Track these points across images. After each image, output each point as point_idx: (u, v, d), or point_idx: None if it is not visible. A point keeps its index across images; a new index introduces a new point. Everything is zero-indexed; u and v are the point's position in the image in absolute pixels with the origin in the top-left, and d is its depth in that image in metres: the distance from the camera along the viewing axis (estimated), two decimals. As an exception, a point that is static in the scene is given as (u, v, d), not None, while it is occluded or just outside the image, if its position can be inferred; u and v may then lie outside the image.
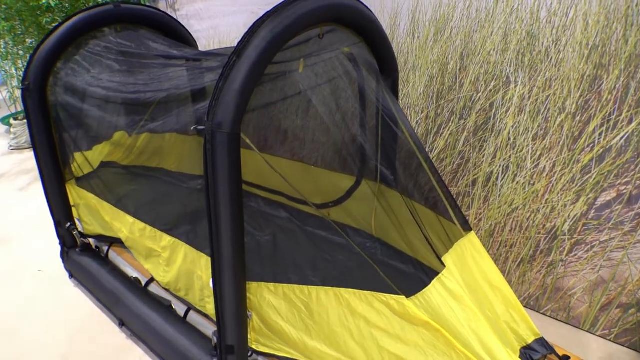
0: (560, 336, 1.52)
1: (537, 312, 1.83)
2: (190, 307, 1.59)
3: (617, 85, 1.51)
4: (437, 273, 1.29)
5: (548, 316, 1.91)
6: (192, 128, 1.01)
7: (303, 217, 2.11)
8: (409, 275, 1.50)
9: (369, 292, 1.31)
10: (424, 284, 1.27)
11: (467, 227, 1.51)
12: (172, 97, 1.47)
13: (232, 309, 1.18)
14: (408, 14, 1.91)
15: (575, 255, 1.77)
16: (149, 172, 2.42)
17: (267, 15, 1.12)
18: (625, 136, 1.54)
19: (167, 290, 1.62)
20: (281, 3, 1.18)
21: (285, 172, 2.16)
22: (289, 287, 1.33)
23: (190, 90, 1.46)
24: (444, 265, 1.28)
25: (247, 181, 2.32)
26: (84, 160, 2.11)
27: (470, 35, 1.79)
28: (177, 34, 1.94)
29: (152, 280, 1.71)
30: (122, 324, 1.74)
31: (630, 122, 1.53)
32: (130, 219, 1.72)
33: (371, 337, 1.31)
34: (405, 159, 1.64)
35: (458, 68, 1.84)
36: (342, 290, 1.33)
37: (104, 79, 1.67)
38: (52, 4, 3.11)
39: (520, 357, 1.32)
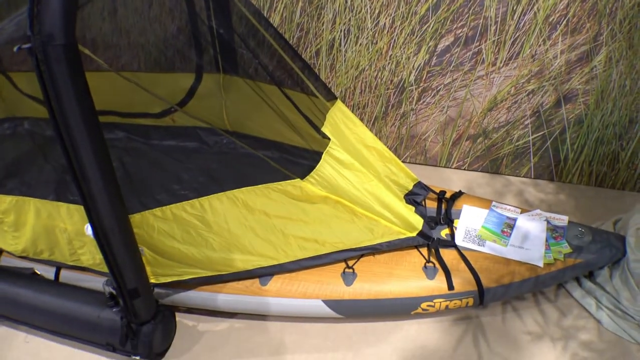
0: (422, 177, 1.69)
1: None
2: (59, 266, 1.36)
3: None
4: (319, 151, 1.27)
5: (408, 162, 2.11)
6: (15, 49, 0.74)
7: (143, 131, 1.88)
8: (287, 160, 1.47)
9: (263, 185, 1.26)
10: (314, 162, 1.26)
11: (331, 97, 1.50)
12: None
13: (124, 250, 1.03)
14: None
15: (424, 102, 1.93)
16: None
17: None
18: (448, -23, 1.62)
19: (25, 258, 1.35)
20: None
21: (108, 89, 1.85)
22: (178, 206, 1.20)
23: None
24: (328, 138, 1.27)
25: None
26: None
27: None
28: None
29: (0, 252, 1.41)
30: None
31: (449, -39, 1.60)
32: None
33: (274, 228, 1.29)
34: (248, 38, 1.50)
35: None
36: (236, 191, 1.25)
37: None
38: None
39: (407, 203, 1.44)
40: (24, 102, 1.69)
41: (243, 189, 1.25)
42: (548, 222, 1.48)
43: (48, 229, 1.24)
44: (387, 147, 1.71)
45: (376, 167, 1.49)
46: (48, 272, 1.38)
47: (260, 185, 1.25)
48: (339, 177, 1.25)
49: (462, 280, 1.31)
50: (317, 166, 1.24)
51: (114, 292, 1.14)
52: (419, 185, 1.55)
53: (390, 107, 1.98)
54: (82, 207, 1.01)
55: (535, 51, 1.69)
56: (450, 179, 2.01)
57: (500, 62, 1.74)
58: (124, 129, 1.89)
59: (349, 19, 1.80)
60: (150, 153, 1.81)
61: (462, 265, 1.34)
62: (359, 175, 1.28)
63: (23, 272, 1.33)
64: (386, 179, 1.50)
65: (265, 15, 1.80)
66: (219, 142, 1.85)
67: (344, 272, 1.34)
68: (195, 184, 1.58)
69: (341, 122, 1.46)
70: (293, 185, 1.25)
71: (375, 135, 1.65)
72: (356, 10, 1.77)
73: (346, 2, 1.76)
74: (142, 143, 1.86)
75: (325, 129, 1.33)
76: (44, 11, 0.73)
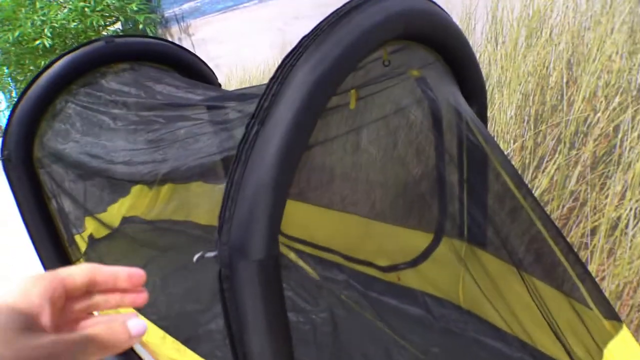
0: None
1: None
2: None
3: None
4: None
5: None
6: (195, 259, 0.58)
7: (365, 281, 1.66)
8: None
9: None
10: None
11: (611, 315, 1.02)
12: (184, 170, 1.06)
13: None
14: (486, 13, 1.44)
15: None
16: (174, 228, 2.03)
17: (303, 46, 0.68)
18: None
19: None
20: (324, 21, 0.74)
21: (336, 228, 1.71)
22: None
23: (212, 160, 1.05)
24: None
25: (290, 235, 1.89)
26: (97, 226, 1.74)
27: (580, 35, 1.30)
28: (189, 66, 1.53)
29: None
30: None
31: None
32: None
33: None
34: (503, 206, 1.16)
35: (565, 81, 1.35)
36: None
37: (95, 144, 1.28)
38: (47, 44, 2.72)
39: None
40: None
41: None
42: None
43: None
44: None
45: None
46: None
47: None
48: None
49: None
50: None
51: None
52: None
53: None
54: None
55: None
56: None
57: None
58: (345, 272, 1.71)
59: (651, 199, 1.30)
60: (366, 310, 1.57)
61: None
62: None
63: None
64: None
65: (529, 175, 1.44)
66: (446, 317, 1.50)
67: None
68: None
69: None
70: None
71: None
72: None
73: (651, 177, 1.28)
74: (360, 294, 1.64)
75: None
76: (237, 217, 0.55)
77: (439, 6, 1.02)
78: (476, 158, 1.25)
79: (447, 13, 1.04)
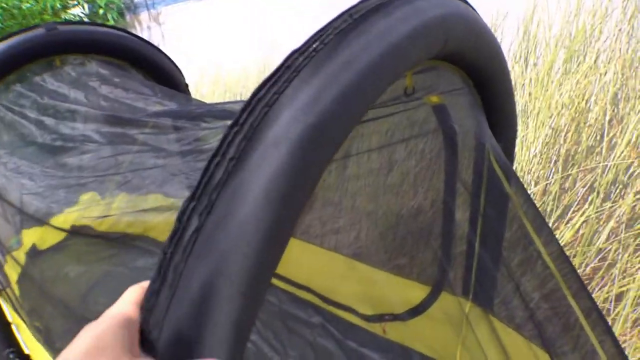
0: None
1: None
2: None
3: None
4: None
5: None
6: None
7: (344, 328, 1.41)
8: None
9: None
10: None
11: None
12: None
13: None
14: (517, 26, 1.19)
15: None
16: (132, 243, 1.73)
17: (292, 68, 0.40)
18: None
19: None
20: (329, 27, 0.45)
21: (315, 264, 1.45)
22: None
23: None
24: None
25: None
26: (40, 237, 1.43)
27: (634, 66, 1.06)
28: (151, 63, 1.23)
29: None
30: None
31: None
32: None
33: None
34: (523, 266, 0.91)
35: (607, 119, 1.11)
36: None
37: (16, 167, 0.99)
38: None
39: None
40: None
41: None
42: None
43: None
44: None
45: None
46: None
47: None
48: None
49: None
50: None
51: None
52: None
53: None
54: None
55: None
56: None
57: None
58: (322, 315, 1.44)
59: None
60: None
61: None
62: None
63: None
64: None
65: (552, 224, 1.21)
66: None
67: None
68: None
69: None
70: None
71: None
72: None
73: None
74: (336, 342, 1.38)
75: None
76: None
77: (477, 13, 0.76)
78: (496, 199, 1.00)
79: (486, 24, 0.78)
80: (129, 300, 0.33)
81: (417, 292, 1.26)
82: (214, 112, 0.85)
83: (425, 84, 0.82)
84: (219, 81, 1.93)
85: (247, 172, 0.37)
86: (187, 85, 1.26)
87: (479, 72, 0.80)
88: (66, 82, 1.05)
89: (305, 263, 1.39)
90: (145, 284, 0.34)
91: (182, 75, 1.28)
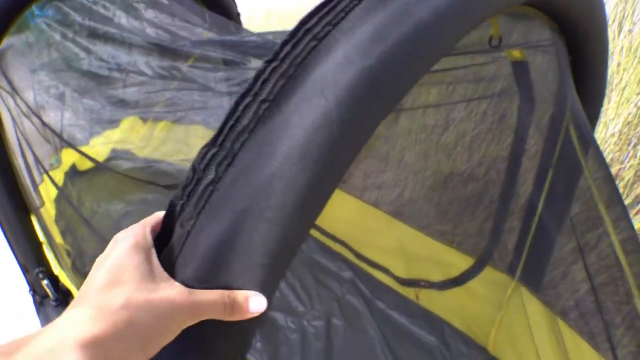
0: None
1: None
2: None
3: None
4: None
5: None
6: None
7: (374, 287, 1.36)
8: None
9: None
10: None
11: None
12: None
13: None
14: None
15: None
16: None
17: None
18: None
19: None
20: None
21: (352, 216, 1.38)
22: None
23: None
24: None
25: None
26: (79, 158, 1.43)
27: None
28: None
29: None
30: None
31: None
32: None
33: None
34: (585, 250, 0.82)
35: None
36: None
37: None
38: None
39: None
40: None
41: None
42: None
43: None
44: None
45: None
46: None
47: None
48: None
49: None
50: None
51: None
52: None
53: None
54: None
55: None
56: None
57: None
58: (354, 271, 1.40)
59: None
60: (369, 325, 1.28)
61: None
62: None
63: None
64: None
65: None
66: (465, 356, 1.21)
67: None
68: None
69: None
70: None
71: None
72: None
73: None
74: (366, 301, 1.34)
75: None
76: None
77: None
78: (567, 173, 0.89)
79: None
80: (144, 224, 0.33)
81: (458, 262, 1.18)
82: (267, 44, 0.76)
83: (506, 33, 0.70)
84: (273, 15, 1.81)
85: (282, 120, 0.30)
86: (239, 15, 1.17)
87: (574, 29, 0.68)
88: (111, 1, 0.98)
89: (340, 214, 1.32)
90: (161, 214, 0.34)
91: (235, 3, 1.19)
